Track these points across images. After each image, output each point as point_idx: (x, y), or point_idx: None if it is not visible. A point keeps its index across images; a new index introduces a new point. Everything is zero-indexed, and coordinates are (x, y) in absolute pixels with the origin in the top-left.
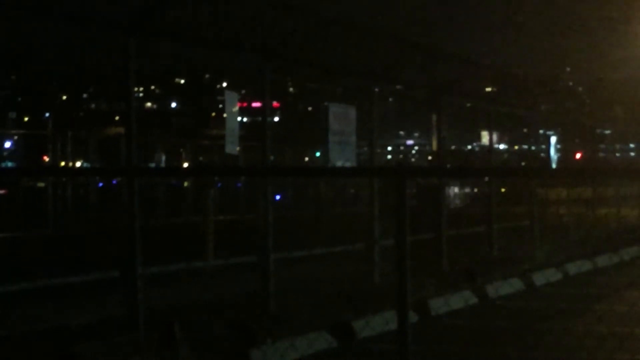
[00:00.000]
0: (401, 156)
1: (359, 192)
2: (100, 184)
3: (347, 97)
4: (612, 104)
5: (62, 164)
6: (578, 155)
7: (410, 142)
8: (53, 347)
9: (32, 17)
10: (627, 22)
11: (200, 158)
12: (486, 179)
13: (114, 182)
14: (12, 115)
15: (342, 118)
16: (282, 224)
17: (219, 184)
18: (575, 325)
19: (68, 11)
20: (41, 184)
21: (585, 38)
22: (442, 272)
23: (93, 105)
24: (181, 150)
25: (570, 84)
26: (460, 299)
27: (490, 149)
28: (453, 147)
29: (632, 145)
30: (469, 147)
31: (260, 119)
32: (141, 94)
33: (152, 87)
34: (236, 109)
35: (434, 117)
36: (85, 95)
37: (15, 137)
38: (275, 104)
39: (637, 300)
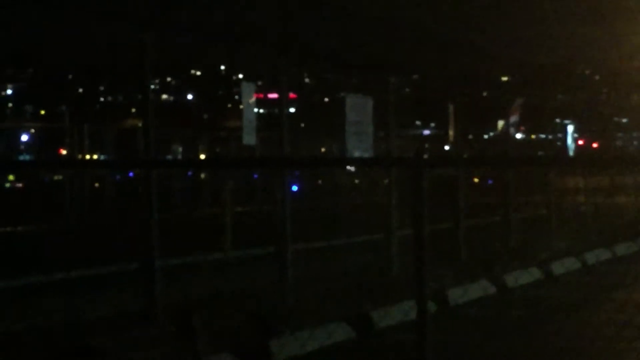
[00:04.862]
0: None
1: (378, 182)
2: (117, 177)
3: (364, 87)
4: (629, 92)
5: (79, 156)
6: (592, 145)
7: (427, 131)
8: (70, 340)
9: (49, 10)
10: None
11: (217, 149)
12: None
13: (131, 174)
14: (29, 108)
15: (359, 109)
16: (300, 214)
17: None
18: (595, 314)
19: (86, 4)
20: (58, 177)
21: (603, 26)
22: (460, 262)
23: (110, 98)
24: (198, 142)
25: (587, 72)
26: (479, 289)
27: (506, 138)
28: (470, 137)
29: None
30: (485, 136)
31: (276, 110)
32: (157, 86)
33: (169, 79)
34: (253, 100)
35: (450, 107)
36: (102, 88)
37: (32, 130)
38: (291, 95)
39: None
